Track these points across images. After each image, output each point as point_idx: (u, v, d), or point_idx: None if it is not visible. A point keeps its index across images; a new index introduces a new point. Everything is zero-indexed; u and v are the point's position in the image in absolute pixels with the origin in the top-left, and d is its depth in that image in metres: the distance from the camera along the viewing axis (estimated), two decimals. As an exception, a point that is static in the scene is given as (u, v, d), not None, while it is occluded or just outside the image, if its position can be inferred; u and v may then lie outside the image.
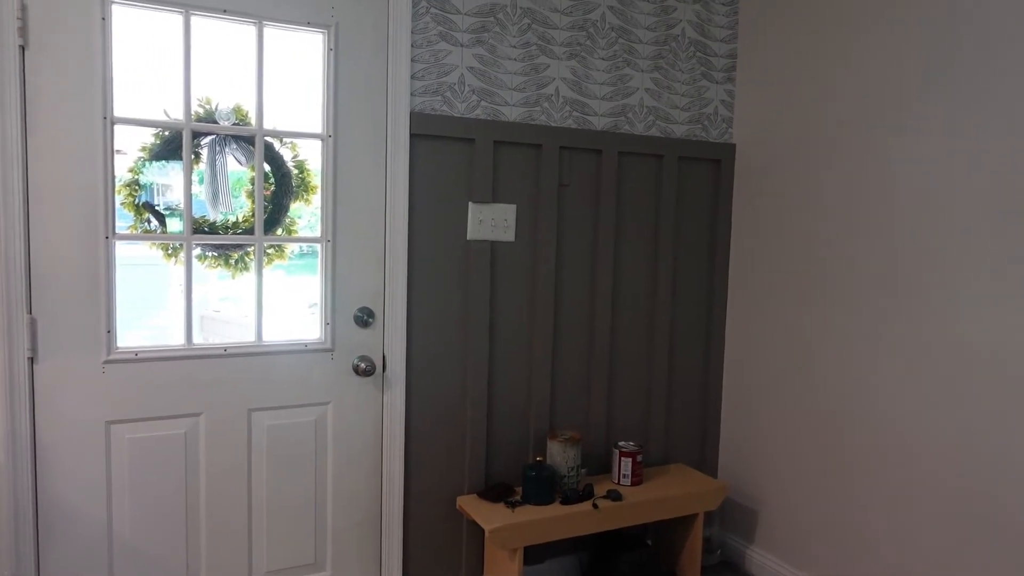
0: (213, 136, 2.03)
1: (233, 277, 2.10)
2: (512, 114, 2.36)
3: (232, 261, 2.09)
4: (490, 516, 2.21)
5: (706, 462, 2.88)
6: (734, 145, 2.77)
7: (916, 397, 2.14)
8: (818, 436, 2.46)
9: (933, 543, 2.10)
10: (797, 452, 2.54)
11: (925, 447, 2.11)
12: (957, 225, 2.01)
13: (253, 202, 2.08)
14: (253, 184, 2.07)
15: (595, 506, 2.31)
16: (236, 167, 2.10)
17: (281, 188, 2.12)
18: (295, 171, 2.14)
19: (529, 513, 2.24)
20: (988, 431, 1.95)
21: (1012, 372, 1.89)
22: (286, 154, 2.12)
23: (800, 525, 2.54)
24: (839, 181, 2.36)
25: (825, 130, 2.41)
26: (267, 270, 2.11)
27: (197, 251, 2.05)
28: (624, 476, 2.49)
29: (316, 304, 2.19)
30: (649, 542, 2.66)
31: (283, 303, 2.19)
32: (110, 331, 1.91)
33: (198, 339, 2.05)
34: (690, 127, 2.69)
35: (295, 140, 2.13)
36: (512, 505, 2.28)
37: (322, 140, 2.13)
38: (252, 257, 2.09)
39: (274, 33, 2.05)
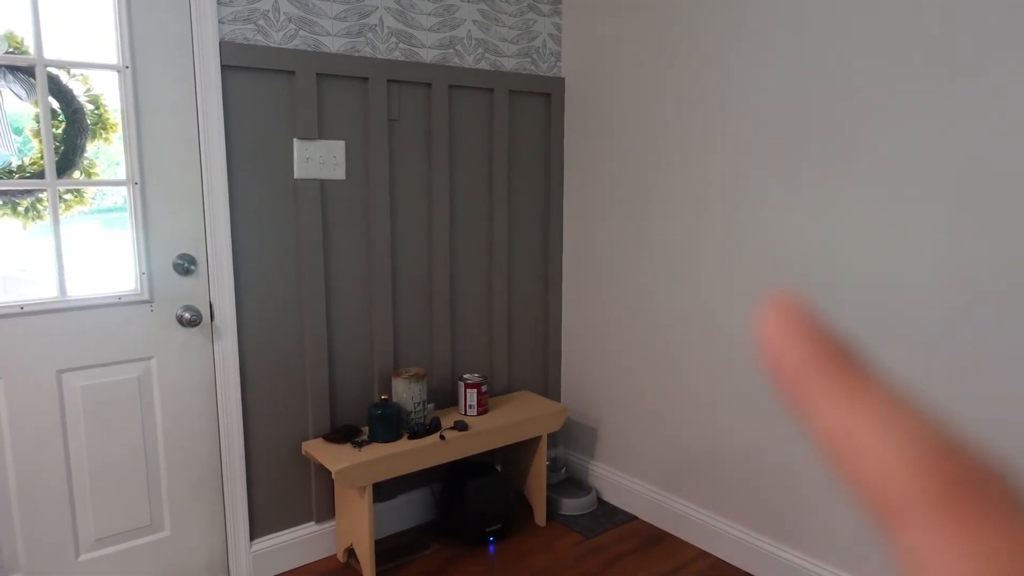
0: (-18, 67, 1.78)
1: (24, 227, 1.88)
2: (334, 45, 2.26)
3: (21, 209, 1.88)
4: (336, 458, 2.20)
5: (549, 388, 3.02)
6: (563, 79, 2.82)
7: (726, 308, 2.34)
8: (644, 352, 2.64)
9: (743, 440, 2.34)
10: (626, 369, 2.72)
11: (736, 351, 2.34)
12: (753, 152, 2.19)
13: (41, 142, 1.86)
14: (39, 122, 1.85)
15: (442, 438, 2.36)
16: (17, 104, 1.87)
17: (74, 126, 1.91)
18: (89, 107, 1.93)
19: (376, 451, 2.25)
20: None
21: (800, 270, 2.12)
22: (77, 87, 1.91)
23: (633, 438, 2.74)
24: (660, 110, 2.48)
25: (644, 65, 2.51)
26: (79, 222, 1.92)
27: (-24, 199, 1.82)
28: (470, 407, 2.56)
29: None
30: (498, 467, 2.77)
31: (104, 258, 2.01)
32: None
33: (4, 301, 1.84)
34: (519, 60, 2.70)
35: (86, 72, 1.92)
36: (359, 445, 2.28)
37: (119, 72, 1.93)
38: (46, 204, 1.89)
39: (48, -52, 1.81)
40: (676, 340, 2.52)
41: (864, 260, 1.97)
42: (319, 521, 2.43)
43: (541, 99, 2.80)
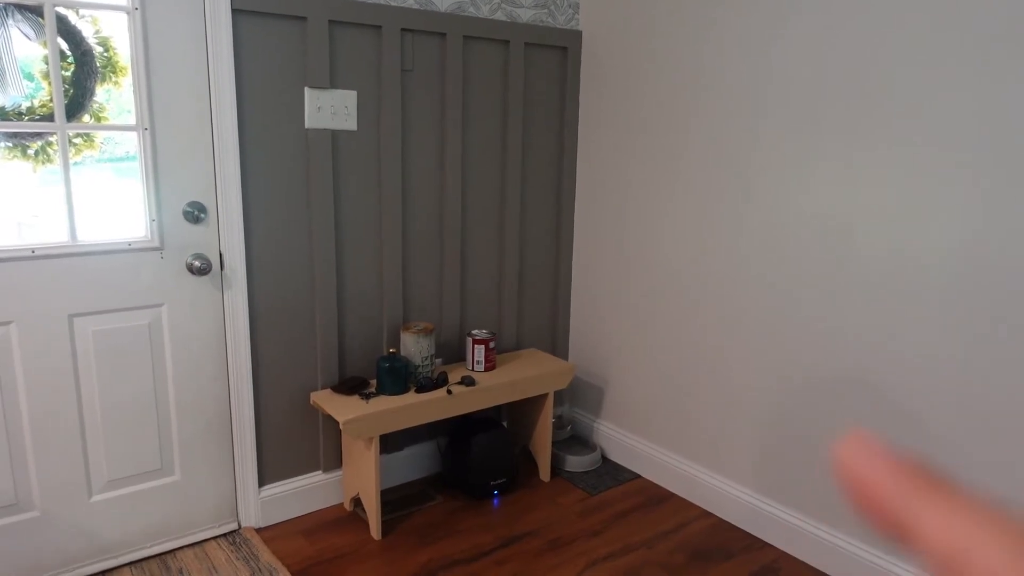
0: (-10, 5, 1.75)
1: (34, 170, 1.87)
2: (347, -9, 2.20)
3: (31, 152, 1.86)
4: (344, 409, 2.22)
5: (557, 346, 3.02)
6: (580, 32, 2.75)
7: (737, 270, 2.32)
8: (654, 313, 2.63)
9: (752, 403, 2.34)
10: (635, 329, 2.71)
11: (746, 313, 2.32)
12: (775, 113, 2.14)
13: (51, 85, 1.84)
14: (48, 64, 1.82)
15: (449, 392, 2.37)
16: (25, 44, 1.84)
17: (83, 68, 1.88)
18: (99, 49, 1.90)
19: (383, 403, 2.26)
20: (800, 303, 2.16)
21: (817, 231, 2.09)
22: (86, 29, 1.88)
23: (640, 398, 2.74)
24: (679, 68, 2.42)
25: (663, 19, 2.44)
26: (90, 169, 1.90)
27: (-14, 141, 1.80)
28: (478, 363, 2.57)
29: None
30: (503, 423, 2.79)
31: (115, 205, 1.99)
32: None
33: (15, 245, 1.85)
34: (536, 11, 2.63)
35: (95, 13, 1.88)
36: (366, 397, 2.30)
37: (128, 13, 1.90)
38: (56, 148, 1.87)
39: None
40: (687, 301, 2.51)
41: (882, 225, 1.93)
42: (326, 470, 2.46)
43: (557, 52, 2.74)
